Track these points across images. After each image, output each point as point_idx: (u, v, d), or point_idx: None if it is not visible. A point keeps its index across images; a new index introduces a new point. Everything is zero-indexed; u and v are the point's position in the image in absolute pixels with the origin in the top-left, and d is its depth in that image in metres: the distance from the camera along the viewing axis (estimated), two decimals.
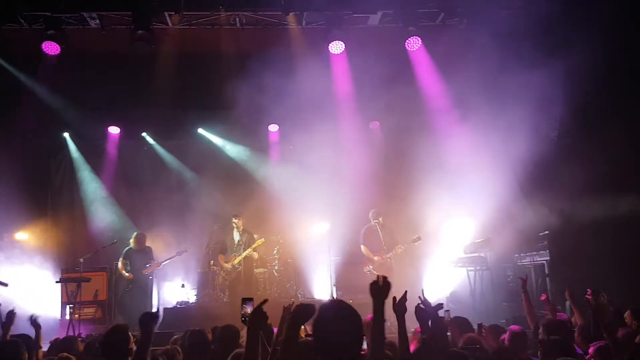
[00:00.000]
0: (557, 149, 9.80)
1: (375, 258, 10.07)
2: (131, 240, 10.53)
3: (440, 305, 3.82)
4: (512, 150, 9.72)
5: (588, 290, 5.01)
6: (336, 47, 9.87)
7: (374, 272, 9.95)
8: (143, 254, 10.53)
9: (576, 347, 4.66)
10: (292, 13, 9.59)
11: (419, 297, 3.88)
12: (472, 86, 9.85)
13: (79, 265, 10.08)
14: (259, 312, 3.13)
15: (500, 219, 10.19)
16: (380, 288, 3.04)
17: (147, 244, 10.82)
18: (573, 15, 9.17)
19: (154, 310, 3.57)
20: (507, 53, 9.57)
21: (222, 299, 10.70)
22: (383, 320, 3.03)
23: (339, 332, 2.71)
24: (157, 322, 3.47)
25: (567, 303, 8.98)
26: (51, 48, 9.59)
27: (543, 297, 6.85)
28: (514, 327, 4.94)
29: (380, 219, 10.28)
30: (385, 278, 3.07)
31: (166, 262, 10.69)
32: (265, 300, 3.19)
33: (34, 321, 5.37)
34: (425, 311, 3.79)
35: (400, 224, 10.81)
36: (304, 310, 3.08)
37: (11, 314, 5.10)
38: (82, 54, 10.60)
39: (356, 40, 9.85)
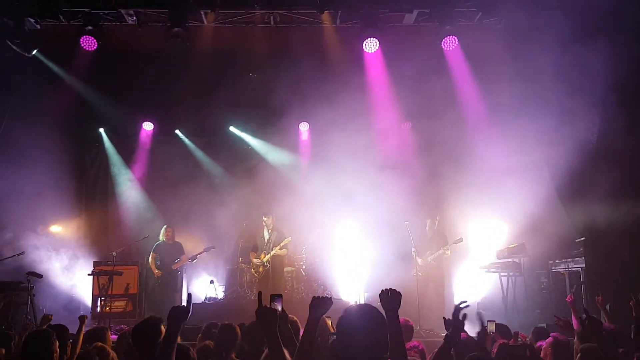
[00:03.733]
0: (595, 153, 9.52)
1: (419, 260, 9.95)
2: (160, 234, 10.63)
3: (463, 303, 3.63)
4: (549, 153, 9.49)
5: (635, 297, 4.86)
6: (370, 46, 9.77)
7: (419, 273, 9.86)
8: (173, 248, 10.62)
9: None
10: (327, 11, 9.52)
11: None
12: (509, 88, 9.65)
13: (112, 258, 10.24)
14: (264, 310, 3.06)
15: (535, 224, 9.96)
16: (390, 298, 3.11)
17: (178, 239, 10.91)
18: (613, 18, 8.91)
19: (185, 302, 3.39)
20: (545, 54, 9.37)
21: (249, 296, 10.73)
22: (399, 329, 3.06)
23: (362, 336, 2.67)
24: (187, 317, 3.32)
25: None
26: (89, 44, 9.75)
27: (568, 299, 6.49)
28: (556, 335, 4.80)
29: (435, 221, 10.37)
30: (393, 290, 3.14)
31: (195, 258, 10.76)
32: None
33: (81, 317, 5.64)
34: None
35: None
36: (320, 302, 3.17)
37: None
38: (119, 51, 10.74)
39: (391, 39, 9.74)
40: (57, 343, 4.26)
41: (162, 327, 3.95)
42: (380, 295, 3.18)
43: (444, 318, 3.55)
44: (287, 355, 3.55)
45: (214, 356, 4.44)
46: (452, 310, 3.49)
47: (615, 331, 4.84)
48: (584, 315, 4.09)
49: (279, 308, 3.53)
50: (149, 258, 10.58)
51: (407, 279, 9.90)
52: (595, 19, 8.91)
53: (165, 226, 10.75)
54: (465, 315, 3.41)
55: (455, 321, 3.38)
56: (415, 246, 9.81)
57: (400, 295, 3.16)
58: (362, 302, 10.88)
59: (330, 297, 3.23)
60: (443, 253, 9.99)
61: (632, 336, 4.97)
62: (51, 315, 5.93)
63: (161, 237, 10.61)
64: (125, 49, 10.89)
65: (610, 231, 9.04)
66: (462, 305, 3.45)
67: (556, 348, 4.62)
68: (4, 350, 4.62)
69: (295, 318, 4.90)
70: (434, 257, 10.00)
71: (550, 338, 4.76)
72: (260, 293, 3.22)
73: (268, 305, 3.39)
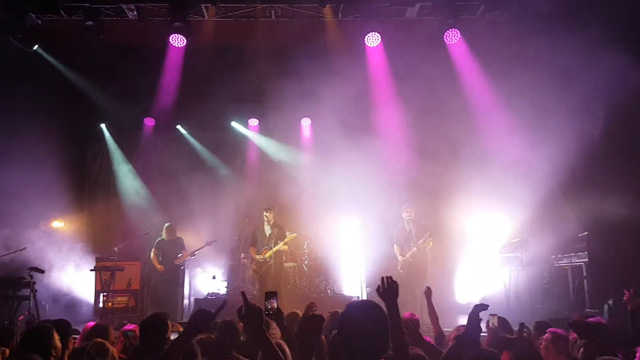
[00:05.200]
0: (599, 148, 9.49)
1: (400, 257, 9.84)
2: (163, 231, 10.63)
3: (484, 306, 3.56)
4: (553, 148, 9.46)
5: (629, 290, 4.82)
6: (372, 40, 9.73)
7: (401, 270, 9.77)
8: (174, 244, 10.61)
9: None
10: (329, 5, 9.49)
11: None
12: (513, 82, 9.61)
13: (114, 254, 10.25)
14: (247, 309, 3.01)
15: (538, 218, 9.93)
16: (387, 290, 3.10)
17: (180, 235, 10.91)
18: (616, 10, 8.86)
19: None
20: (548, 48, 9.32)
21: (251, 292, 10.71)
22: (400, 320, 3.07)
23: (364, 332, 2.64)
24: (208, 326, 3.18)
25: (606, 307, 8.76)
26: (90, 39, 9.72)
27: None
28: (555, 329, 4.78)
29: (405, 214, 9.87)
30: (389, 278, 3.13)
31: (197, 252, 10.75)
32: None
33: None
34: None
35: (435, 221, 10.61)
36: (312, 321, 3.05)
37: None
38: (120, 46, 10.71)
39: (393, 32, 9.70)
40: (58, 337, 4.24)
41: (169, 323, 3.96)
42: (377, 289, 3.16)
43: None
44: (287, 349, 3.53)
45: (216, 352, 4.43)
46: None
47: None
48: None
49: (275, 305, 3.50)
50: (150, 254, 10.58)
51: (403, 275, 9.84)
52: (599, 12, 8.85)
53: (167, 224, 10.73)
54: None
55: (473, 323, 3.32)
56: (417, 240, 9.73)
57: (397, 284, 3.14)
58: (364, 297, 10.88)
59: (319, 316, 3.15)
60: (423, 244, 9.59)
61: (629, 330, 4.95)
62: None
63: (163, 235, 10.60)
64: (126, 44, 10.85)
65: (613, 226, 9.02)
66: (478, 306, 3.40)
67: (555, 343, 4.60)
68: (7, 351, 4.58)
69: (297, 312, 4.90)
70: (411, 252, 9.67)
71: (548, 334, 4.74)
72: (244, 293, 3.17)
73: (265, 303, 3.39)
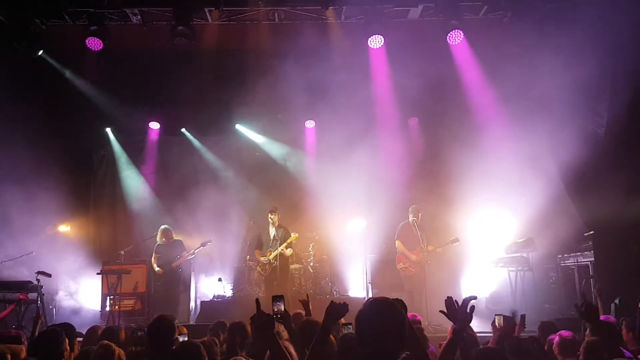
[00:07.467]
0: (603, 147, 9.47)
1: (413, 257, 9.63)
2: (157, 237, 10.57)
3: (473, 297, 3.55)
4: (557, 147, 9.45)
5: None
6: (375, 42, 9.73)
7: (411, 269, 9.68)
8: (172, 247, 10.51)
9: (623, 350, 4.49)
10: (332, 7, 9.49)
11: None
12: (516, 81, 9.61)
13: (120, 257, 10.28)
14: (259, 316, 3.12)
15: (543, 218, 9.91)
16: (337, 309, 3.19)
17: (185, 238, 10.89)
18: (621, 9, 8.85)
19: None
20: (552, 47, 9.32)
21: (257, 294, 10.73)
22: (327, 336, 3.18)
23: (381, 330, 2.67)
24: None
25: (612, 306, 8.74)
26: (94, 44, 9.76)
27: None
28: (564, 333, 4.77)
29: (419, 215, 9.69)
30: (344, 304, 3.25)
31: (192, 253, 10.64)
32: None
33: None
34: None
35: (439, 222, 10.61)
36: (338, 308, 3.18)
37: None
38: (124, 50, 10.75)
39: (396, 34, 9.70)
40: (67, 341, 4.30)
41: (175, 325, 4.00)
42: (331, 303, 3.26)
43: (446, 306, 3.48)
44: (293, 351, 3.57)
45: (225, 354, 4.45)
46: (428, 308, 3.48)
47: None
48: (581, 302, 4.08)
49: (282, 308, 3.55)
50: (152, 258, 10.58)
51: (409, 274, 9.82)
52: (601, 9, 8.84)
53: (162, 227, 10.61)
54: (473, 308, 3.38)
55: (463, 314, 3.34)
56: (423, 241, 9.68)
57: (346, 310, 3.25)
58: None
59: (345, 303, 3.25)
60: (434, 250, 9.53)
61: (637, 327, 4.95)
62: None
63: (157, 238, 10.55)
64: (131, 49, 10.89)
65: (619, 224, 9.01)
66: (470, 298, 3.41)
67: (563, 346, 4.60)
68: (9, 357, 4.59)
69: (301, 312, 4.92)
70: (427, 254, 9.41)
71: (557, 337, 4.73)
72: (258, 300, 3.24)
73: (272, 307, 3.44)
